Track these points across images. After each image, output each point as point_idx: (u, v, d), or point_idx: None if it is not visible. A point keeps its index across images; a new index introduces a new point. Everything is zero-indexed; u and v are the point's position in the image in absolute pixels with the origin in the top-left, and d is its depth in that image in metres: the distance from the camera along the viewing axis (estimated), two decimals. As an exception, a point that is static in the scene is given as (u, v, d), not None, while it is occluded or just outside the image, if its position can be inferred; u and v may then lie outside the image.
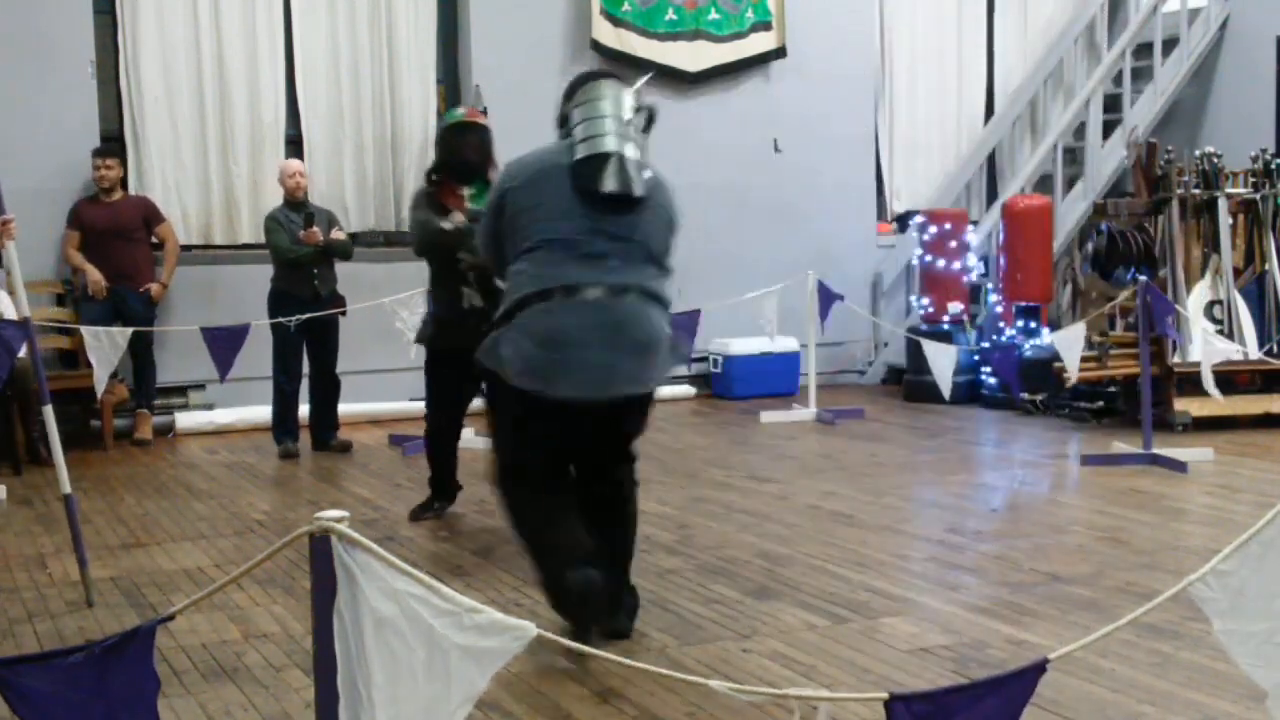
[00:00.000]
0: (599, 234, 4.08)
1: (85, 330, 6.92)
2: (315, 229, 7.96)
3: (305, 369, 8.18)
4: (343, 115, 9.64)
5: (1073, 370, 7.47)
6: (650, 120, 4.36)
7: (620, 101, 4.27)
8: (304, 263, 7.99)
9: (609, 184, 4.09)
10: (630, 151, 4.15)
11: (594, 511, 4.25)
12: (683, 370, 9.73)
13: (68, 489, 4.82)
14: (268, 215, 8.23)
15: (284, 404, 8.09)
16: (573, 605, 4.06)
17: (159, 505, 6.64)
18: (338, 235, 8.16)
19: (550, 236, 4.10)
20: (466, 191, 5.83)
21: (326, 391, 8.20)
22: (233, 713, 3.71)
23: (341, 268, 8.36)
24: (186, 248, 9.10)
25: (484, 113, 6.21)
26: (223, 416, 8.88)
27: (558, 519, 4.16)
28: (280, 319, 7.85)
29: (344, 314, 8.12)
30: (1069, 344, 7.43)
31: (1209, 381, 7.26)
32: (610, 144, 4.13)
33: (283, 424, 8.08)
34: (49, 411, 4.85)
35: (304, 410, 8.25)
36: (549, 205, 4.13)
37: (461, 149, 5.89)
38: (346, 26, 9.63)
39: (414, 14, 9.85)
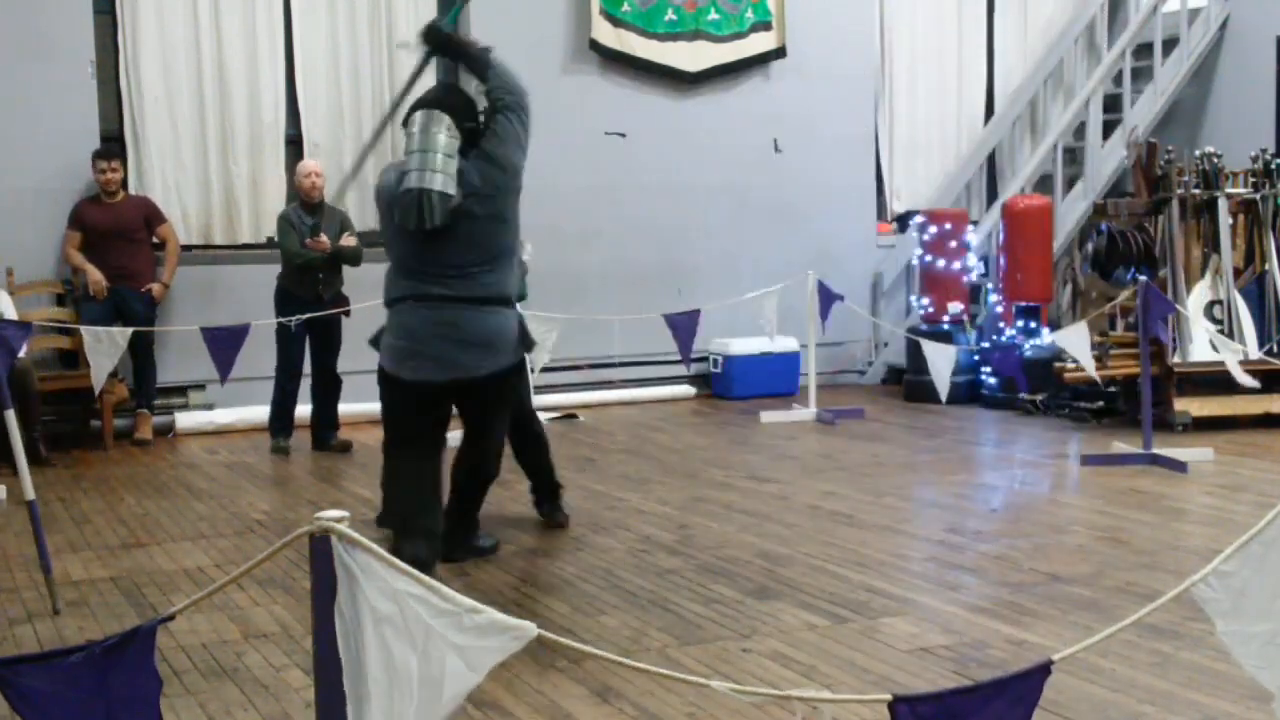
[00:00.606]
0: (427, 251, 4.93)
1: (85, 330, 6.92)
2: (323, 237, 7.98)
3: (306, 368, 8.20)
4: (343, 115, 9.63)
5: (1089, 368, 7.45)
6: (477, 123, 5.03)
7: (429, 132, 4.87)
8: (311, 267, 8.01)
9: (411, 222, 4.81)
10: (436, 184, 4.79)
11: (462, 462, 5.40)
12: (683, 370, 9.74)
13: (31, 495, 4.77)
14: (280, 214, 8.27)
15: (283, 401, 8.15)
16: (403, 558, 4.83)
17: (159, 505, 6.64)
18: (348, 241, 8.16)
19: (398, 254, 5.08)
20: None
21: (327, 391, 8.21)
22: (233, 713, 3.71)
23: (344, 269, 8.36)
24: (186, 248, 9.09)
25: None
26: (223, 416, 8.88)
27: (407, 487, 5.18)
28: (281, 319, 7.87)
29: (348, 314, 8.13)
30: (1076, 343, 7.41)
31: (1240, 375, 7.35)
32: (412, 180, 4.81)
33: (279, 420, 8.15)
34: (10, 416, 4.79)
35: (305, 410, 8.26)
36: (393, 228, 4.99)
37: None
38: (346, 26, 9.63)
39: (414, 14, 9.83)
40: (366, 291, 8.57)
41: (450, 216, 4.83)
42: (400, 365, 5.05)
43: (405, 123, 5.02)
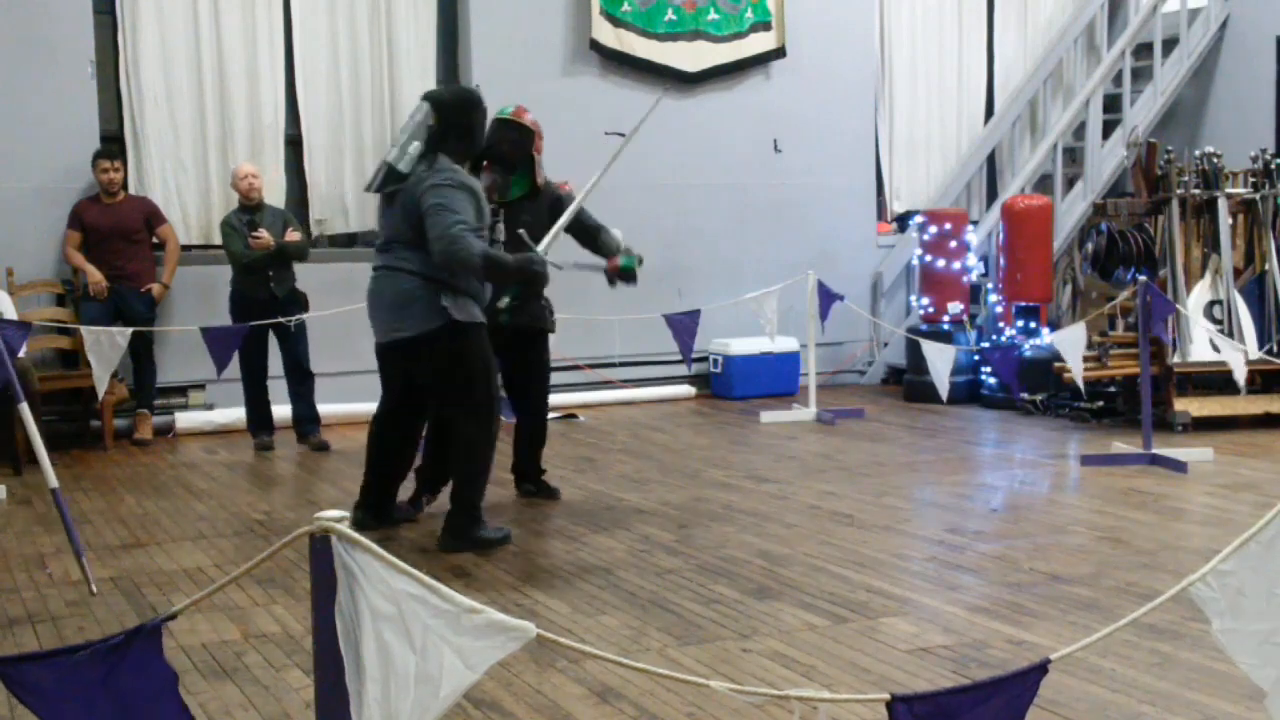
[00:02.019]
0: (382, 225, 5.67)
1: (85, 330, 6.93)
2: (262, 232, 8.07)
3: (277, 369, 8.31)
4: (343, 115, 9.63)
5: (1077, 373, 7.46)
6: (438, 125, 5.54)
7: (412, 118, 5.56)
8: (258, 267, 8.10)
9: (370, 186, 5.69)
10: (401, 164, 5.45)
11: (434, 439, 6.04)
12: (683, 370, 9.74)
13: (54, 483, 5.03)
14: (222, 220, 8.38)
15: (255, 399, 8.26)
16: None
17: (159, 505, 6.64)
18: (292, 237, 8.25)
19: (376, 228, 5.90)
20: (501, 180, 6.34)
21: (300, 386, 8.30)
22: (233, 713, 3.71)
23: (339, 268, 8.38)
24: (186, 248, 9.10)
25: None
26: (222, 416, 8.88)
27: (373, 450, 5.89)
28: (280, 320, 7.96)
29: (300, 317, 8.16)
30: (1071, 345, 7.41)
31: (1241, 378, 7.39)
32: (389, 153, 5.56)
33: (256, 419, 8.25)
34: (25, 409, 4.95)
35: (284, 411, 8.37)
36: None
37: (495, 140, 6.32)
38: (346, 27, 9.63)
39: (414, 14, 9.84)
40: (365, 292, 8.63)
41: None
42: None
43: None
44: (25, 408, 5.25)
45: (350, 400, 8.98)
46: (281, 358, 8.28)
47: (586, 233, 6.52)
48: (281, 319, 7.94)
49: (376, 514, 5.89)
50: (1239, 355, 7.42)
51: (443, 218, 5.30)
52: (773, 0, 10.79)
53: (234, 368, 7.61)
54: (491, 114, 5.98)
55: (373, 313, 5.63)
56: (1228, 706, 3.57)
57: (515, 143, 6.34)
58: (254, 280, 8.13)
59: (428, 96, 5.65)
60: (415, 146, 5.45)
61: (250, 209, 8.24)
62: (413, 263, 5.43)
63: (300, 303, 8.26)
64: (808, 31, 10.87)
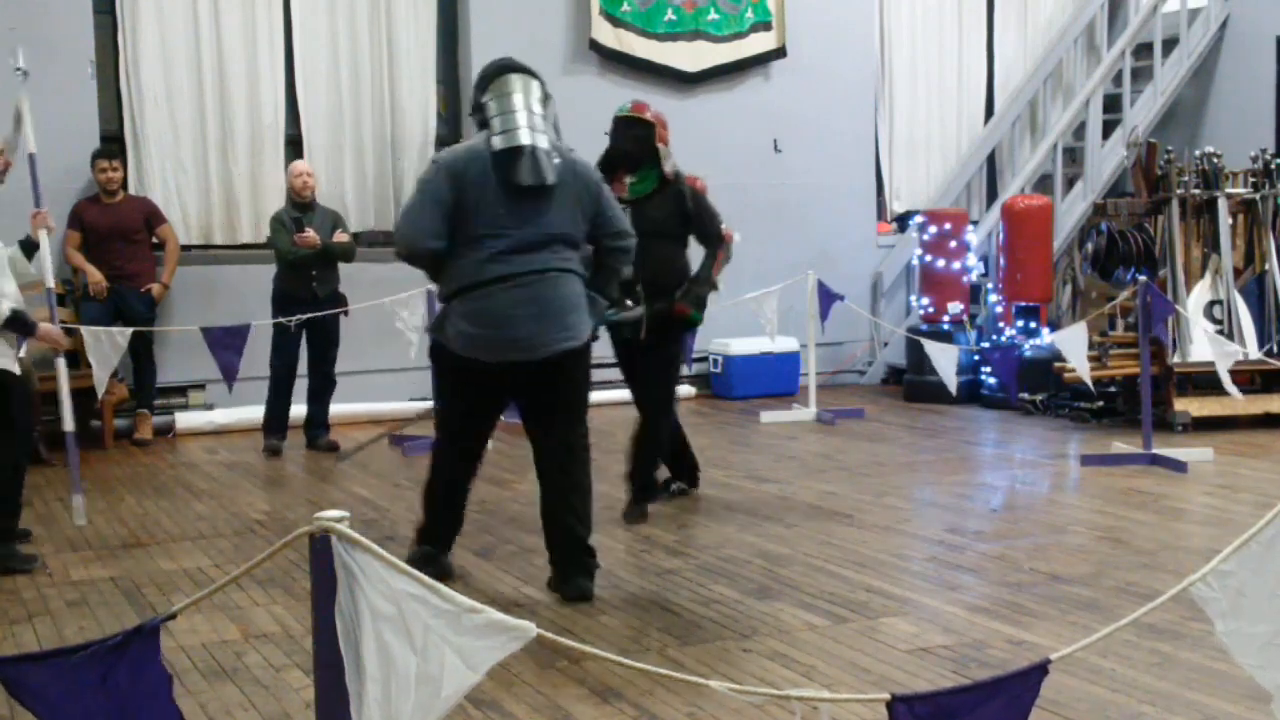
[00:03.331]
0: (525, 223, 4.67)
1: (85, 330, 6.92)
2: (310, 232, 8.01)
3: (302, 369, 8.20)
4: (343, 115, 9.64)
5: (1083, 372, 7.44)
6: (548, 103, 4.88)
7: (530, 93, 4.78)
8: (303, 264, 8.02)
9: (526, 178, 4.63)
10: (542, 142, 4.67)
11: (545, 478, 4.94)
12: (683, 370, 9.73)
13: (70, 427, 5.93)
14: (273, 215, 8.31)
15: (276, 398, 8.15)
16: (416, 560, 4.80)
17: (159, 505, 6.64)
18: (340, 238, 8.20)
19: (489, 231, 4.66)
20: (629, 179, 6.15)
21: (322, 391, 8.23)
22: (233, 713, 3.71)
23: (341, 268, 8.35)
24: (186, 248, 9.10)
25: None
26: (222, 416, 8.88)
27: (451, 493, 5.04)
28: (280, 319, 7.88)
29: (346, 314, 8.14)
30: (1073, 345, 7.41)
31: (1227, 381, 7.30)
32: (524, 137, 4.65)
33: (275, 420, 8.14)
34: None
35: (300, 410, 8.27)
36: (483, 200, 4.65)
37: (619, 140, 6.24)
38: (346, 27, 9.63)
39: (414, 14, 9.85)
40: (367, 292, 8.64)
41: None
42: (485, 350, 4.74)
43: (486, 83, 4.85)
44: (61, 362, 5.84)
45: (352, 400, 8.98)
46: (309, 359, 8.19)
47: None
48: (283, 319, 7.88)
49: (446, 551, 5.12)
50: (1227, 360, 7.37)
51: (623, 215, 4.95)
52: (773, 0, 10.79)
53: (239, 369, 7.51)
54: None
55: (525, 323, 4.66)
56: (1228, 706, 3.57)
57: (640, 139, 6.16)
58: (298, 279, 8.04)
59: (523, 69, 4.90)
60: (548, 127, 4.79)
61: (302, 207, 8.18)
62: (575, 264, 4.81)
63: (342, 305, 8.18)
64: (808, 31, 10.87)
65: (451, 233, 4.68)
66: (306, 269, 8.05)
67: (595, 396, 9.54)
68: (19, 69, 6.70)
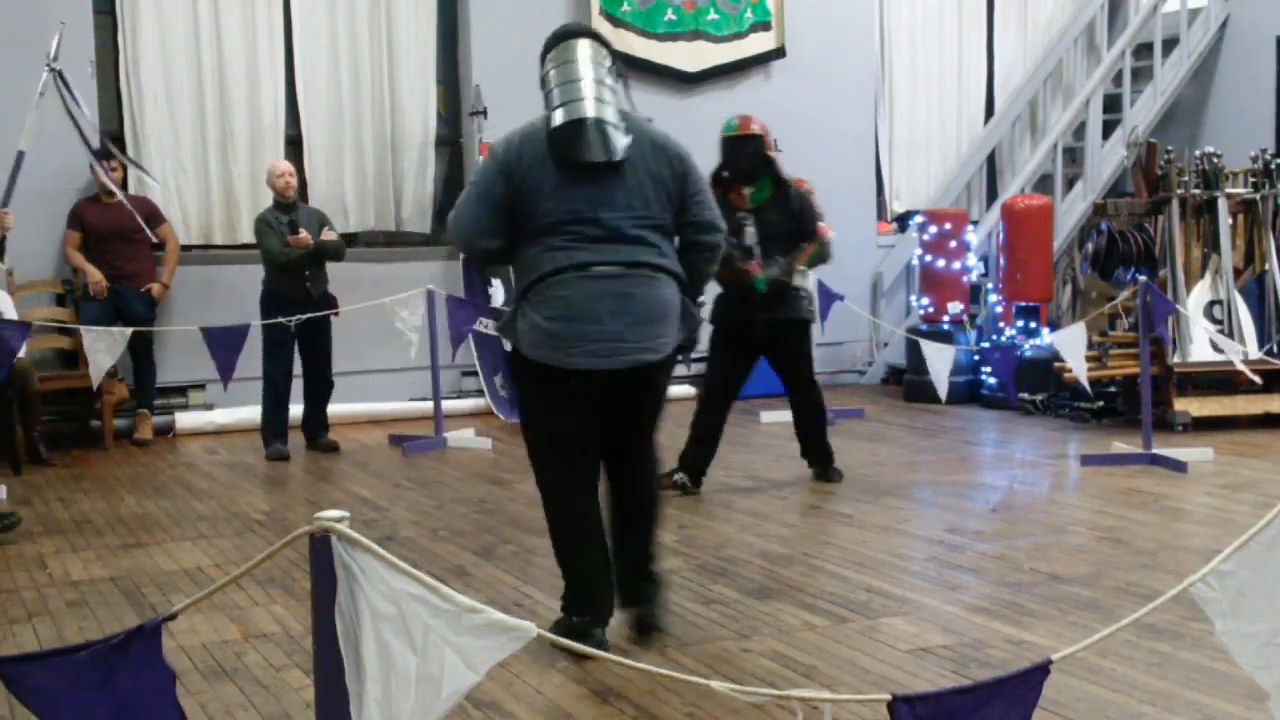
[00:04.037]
0: (599, 207, 4.05)
1: (85, 330, 6.93)
2: (304, 233, 7.92)
3: (296, 370, 8.15)
4: (343, 115, 9.64)
5: (1080, 373, 7.45)
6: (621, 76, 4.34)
7: (597, 60, 4.22)
8: (295, 266, 7.95)
9: (587, 154, 4.05)
10: (609, 114, 4.09)
11: (614, 495, 4.35)
12: (682, 370, 9.71)
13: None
14: (257, 217, 8.19)
15: (275, 404, 8.02)
16: (575, 636, 3.96)
17: (159, 505, 6.64)
18: (329, 236, 8.12)
19: (556, 219, 4.06)
20: (747, 190, 6.56)
21: (320, 392, 8.18)
22: (233, 713, 3.71)
23: (342, 268, 8.35)
24: (186, 248, 9.10)
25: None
26: (222, 416, 8.88)
27: (580, 520, 4.27)
28: (279, 319, 7.81)
29: (336, 314, 8.10)
30: (1071, 345, 7.41)
31: (1245, 369, 7.47)
32: (587, 108, 4.07)
33: (273, 425, 8.01)
34: None
35: (296, 410, 8.22)
36: (548, 184, 4.07)
37: (734, 159, 6.57)
38: (346, 27, 9.63)
39: (414, 14, 9.85)
40: (366, 292, 8.64)
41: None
42: (560, 351, 4.07)
43: (548, 52, 4.33)
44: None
45: (352, 400, 8.99)
46: (303, 362, 8.12)
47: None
48: (282, 319, 7.84)
49: (602, 620, 4.26)
50: (1238, 355, 7.41)
51: (713, 201, 4.37)
52: (772, 0, 10.79)
53: (239, 369, 7.49)
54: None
55: (605, 319, 4.02)
56: (1228, 706, 3.56)
57: (754, 154, 6.57)
58: (290, 280, 7.94)
59: (589, 34, 4.42)
60: (618, 98, 4.20)
61: (286, 207, 8.08)
62: (668, 256, 4.17)
63: (333, 305, 8.12)
64: (808, 31, 10.86)
65: (517, 225, 4.12)
66: (299, 270, 7.97)
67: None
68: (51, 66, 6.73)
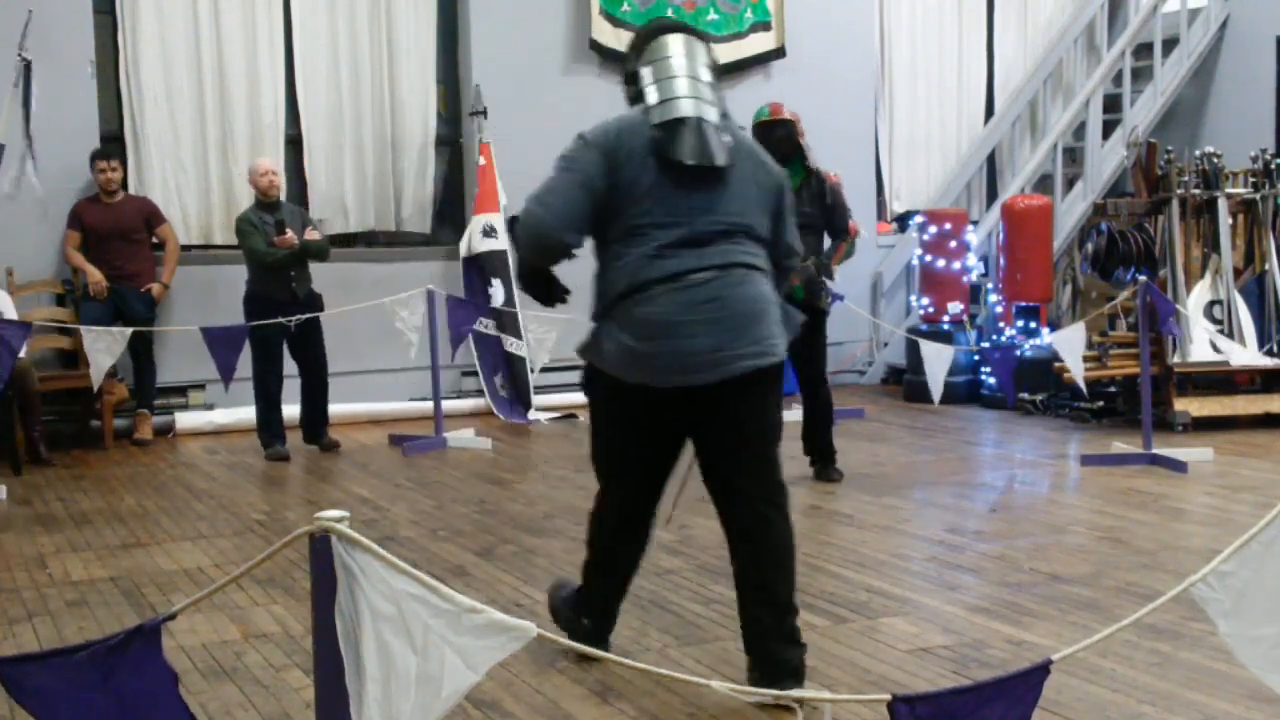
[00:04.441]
0: (696, 212, 3.70)
1: (85, 330, 6.94)
2: (290, 233, 7.86)
3: (288, 370, 8.13)
4: (343, 115, 9.64)
5: (1077, 373, 7.45)
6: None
7: (694, 56, 3.86)
8: (280, 266, 7.88)
9: (697, 155, 3.68)
10: (710, 115, 3.75)
11: (736, 544, 3.86)
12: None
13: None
14: (240, 217, 8.08)
15: (269, 406, 7.97)
16: (577, 637, 3.83)
17: (159, 505, 6.64)
18: (313, 236, 8.07)
19: (649, 221, 3.70)
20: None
21: (316, 390, 8.16)
22: (233, 713, 3.71)
23: (342, 268, 8.35)
24: (186, 248, 9.10)
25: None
26: (222, 416, 8.87)
27: (622, 556, 4.08)
28: (275, 320, 7.76)
29: (322, 314, 8.06)
30: (1070, 346, 7.41)
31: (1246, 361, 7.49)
32: (687, 108, 3.73)
33: (269, 427, 7.98)
34: None
35: (294, 410, 8.19)
36: (645, 182, 3.71)
37: (767, 144, 6.17)
38: (346, 26, 9.63)
39: (414, 14, 9.85)
40: (366, 292, 8.64)
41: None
42: (651, 370, 3.73)
43: (642, 47, 3.93)
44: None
45: (352, 400, 8.99)
46: (297, 362, 8.06)
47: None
48: (282, 319, 7.80)
49: (604, 631, 4.13)
50: (1242, 353, 7.42)
51: (796, 232, 4.05)
52: (772, 0, 10.79)
53: (239, 369, 7.50)
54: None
55: (701, 332, 3.64)
56: (1228, 706, 3.56)
57: (785, 139, 6.59)
58: (275, 280, 7.88)
59: (686, 28, 4.04)
60: (718, 98, 3.86)
61: (269, 207, 8.02)
62: (764, 260, 3.82)
63: (318, 305, 8.06)
64: (808, 31, 10.86)
65: (599, 223, 3.77)
66: (284, 270, 7.90)
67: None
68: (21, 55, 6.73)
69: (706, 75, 3.83)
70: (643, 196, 3.70)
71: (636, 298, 3.69)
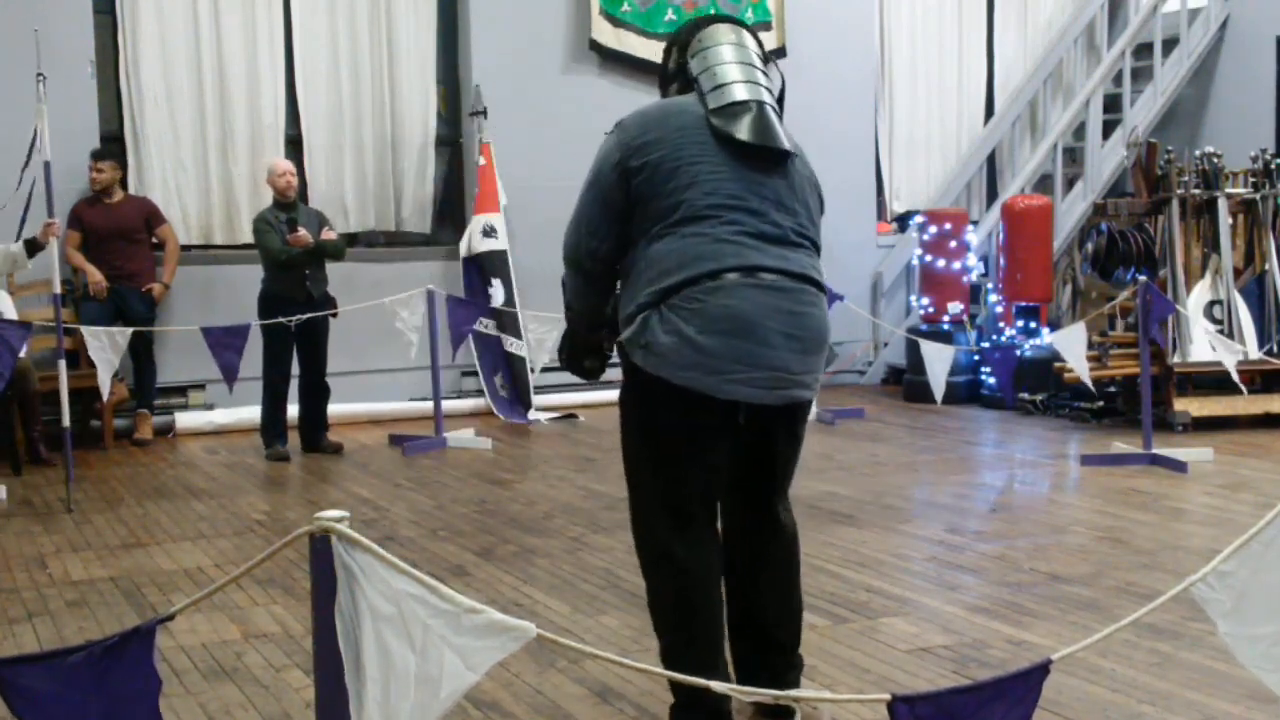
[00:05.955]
0: (768, 201, 3.31)
1: (85, 330, 6.93)
2: (303, 231, 7.87)
3: (294, 369, 8.13)
4: (343, 115, 9.63)
5: (1082, 373, 7.44)
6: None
7: (745, 46, 3.50)
8: (295, 264, 7.90)
9: (751, 134, 3.29)
10: (769, 100, 3.40)
11: (742, 559, 3.57)
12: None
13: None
14: (257, 216, 8.16)
15: (275, 405, 7.98)
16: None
17: (159, 505, 6.64)
18: (328, 235, 8.09)
19: (716, 202, 3.26)
20: None
21: (317, 394, 8.14)
22: (233, 713, 3.71)
23: (342, 268, 8.34)
24: (186, 248, 9.10)
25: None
26: (222, 416, 8.87)
27: (705, 607, 3.40)
28: (280, 319, 7.78)
29: (335, 315, 8.07)
30: (1071, 345, 7.40)
31: (1235, 376, 7.42)
32: (742, 92, 3.36)
33: (273, 426, 7.98)
34: None
35: (292, 411, 8.18)
36: (706, 161, 3.29)
37: None
38: (346, 27, 9.63)
39: (414, 14, 9.85)
40: (366, 292, 8.64)
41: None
42: (719, 375, 3.22)
43: (687, 42, 3.56)
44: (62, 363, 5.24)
45: (352, 400, 8.99)
46: (299, 364, 8.06)
47: None
48: (283, 319, 7.80)
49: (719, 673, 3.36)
50: (1233, 358, 7.41)
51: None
52: (773, 0, 10.79)
53: (240, 369, 7.48)
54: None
55: (779, 344, 3.25)
56: (1228, 706, 3.56)
57: None
58: (290, 280, 7.89)
59: (728, 18, 3.64)
60: (772, 84, 3.49)
61: (287, 206, 8.03)
62: (822, 275, 3.47)
63: (333, 305, 8.06)
64: (808, 31, 10.86)
65: (651, 207, 3.30)
66: (299, 269, 7.92)
67: (594, 396, 9.66)
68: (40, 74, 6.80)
69: (759, 63, 3.49)
70: (708, 175, 3.28)
71: (707, 286, 3.19)
